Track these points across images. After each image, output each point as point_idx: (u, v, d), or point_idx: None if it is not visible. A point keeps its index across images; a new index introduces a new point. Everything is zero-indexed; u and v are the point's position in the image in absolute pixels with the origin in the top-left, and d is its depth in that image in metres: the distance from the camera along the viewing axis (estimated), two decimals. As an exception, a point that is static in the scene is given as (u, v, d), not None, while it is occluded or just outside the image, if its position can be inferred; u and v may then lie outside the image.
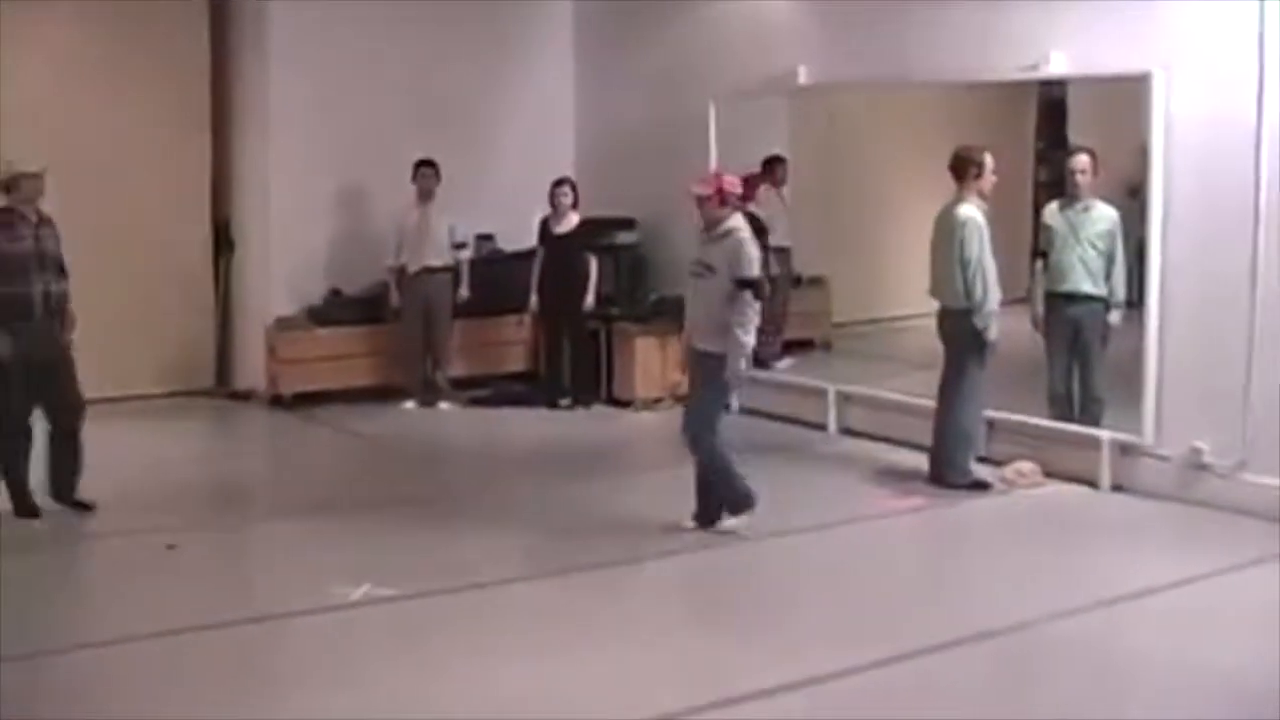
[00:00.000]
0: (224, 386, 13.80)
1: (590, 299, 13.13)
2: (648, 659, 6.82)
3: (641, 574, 8.29)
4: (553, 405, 13.16)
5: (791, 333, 13.28)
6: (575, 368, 13.29)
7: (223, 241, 13.95)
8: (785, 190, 12.99)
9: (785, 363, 12.99)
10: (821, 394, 11.99)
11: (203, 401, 13.38)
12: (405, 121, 13.73)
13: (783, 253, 12.94)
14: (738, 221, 8.77)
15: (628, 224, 13.91)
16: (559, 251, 13.16)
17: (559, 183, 13.29)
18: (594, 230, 13.35)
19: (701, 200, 8.75)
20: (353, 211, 13.77)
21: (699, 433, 8.89)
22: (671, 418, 12.66)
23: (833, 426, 11.86)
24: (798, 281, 13.23)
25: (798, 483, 10.40)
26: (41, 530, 9.02)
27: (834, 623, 7.31)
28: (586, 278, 13.09)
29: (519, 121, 14.50)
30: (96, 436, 11.90)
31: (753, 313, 8.60)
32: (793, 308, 13.21)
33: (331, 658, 6.90)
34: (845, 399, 11.88)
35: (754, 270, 8.61)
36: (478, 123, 14.29)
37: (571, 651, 6.90)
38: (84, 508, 9.28)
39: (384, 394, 13.22)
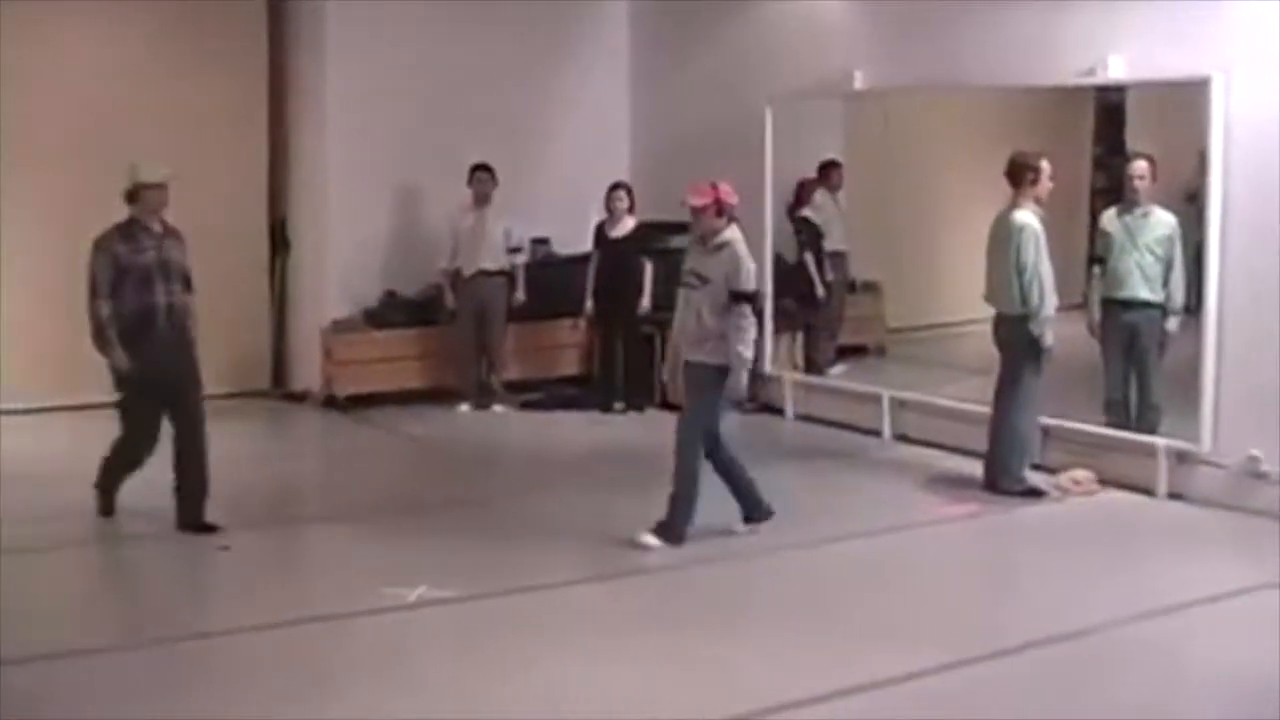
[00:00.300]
0: (279, 388, 13.86)
1: (645, 303, 13.12)
2: (702, 663, 6.80)
3: (696, 578, 8.26)
4: (606, 409, 13.16)
5: (845, 338, 13.25)
6: (629, 372, 13.28)
7: (278, 241, 14.02)
8: (840, 195, 12.94)
9: (839, 368, 12.95)
10: (876, 400, 11.95)
11: (258, 403, 13.43)
12: (460, 123, 13.74)
13: (838, 257, 12.92)
14: (735, 233, 8.69)
15: (683, 228, 13.80)
16: (614, 255, 13.17)
17: (614, 187, 13.30)
18: (649, 234, 13.34)
19: (697, 210, 8.65)
20: (407, 213, 13.81)
21: (683, 442, 8.72)
22: (726, 423, 12.65)
23: (887, 432, 11.82)
24: (852, 287, 13.19)
25: (852, 488, 10.39)
26: (100, 528, 9.07)
27: (889, 629, 7.27)
28: (641, 282, 13.08)
29: (574, 124, 14.51)
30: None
31: (751, 326, 8.52)
32: (847, 313, 13.18)
33: (387, 659, 6.89)
34: (900, 405, 11.83)
35: (751, 283, 8.56)
36: (533, 126, 14.30)
37: (626, 655, 6.90)
38: (209, 529, 8.92)
39: (438, 396, 13.25)
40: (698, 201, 8.63)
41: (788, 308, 13.02)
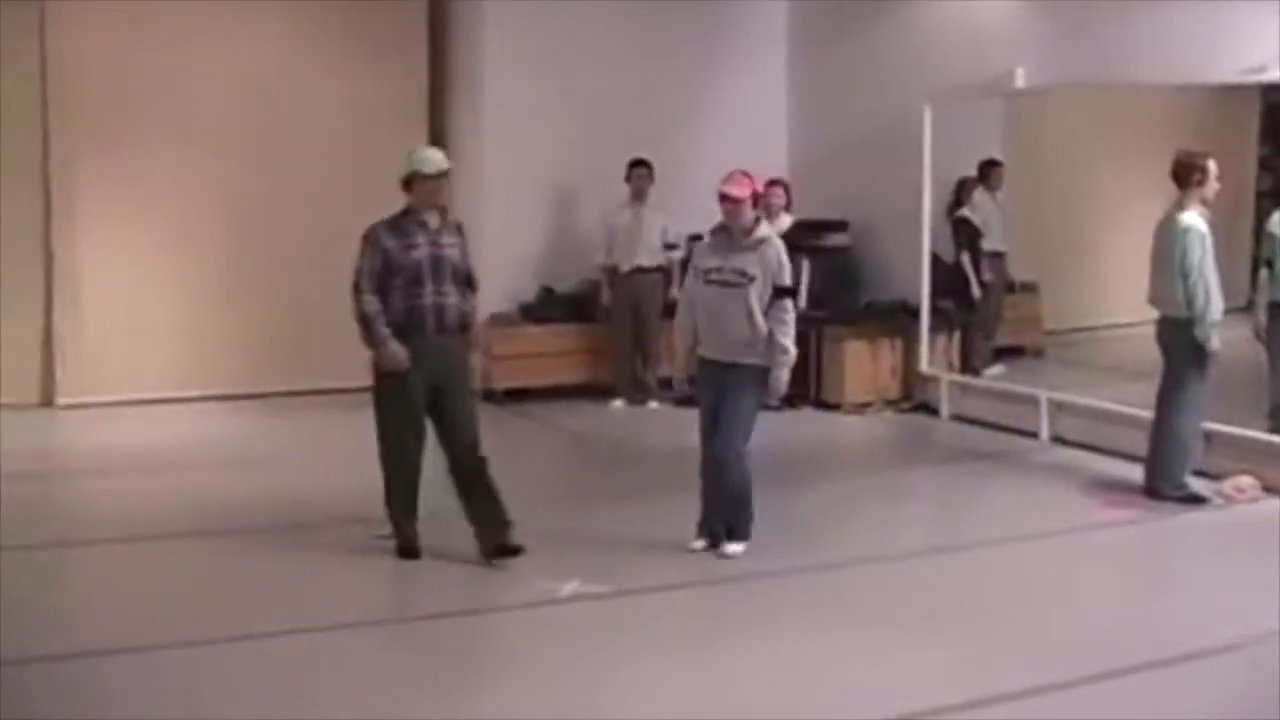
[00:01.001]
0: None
1: (801, 301, 13.05)
2: (851, 664, 6.78)
3: (849, 579, 8.21)
4: (761, 407, 13.08)
5: (1002, 339, 13.11)
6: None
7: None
8: (1000, 195, 12.78)
9: (996, 369, 12.80)
10: (1033, 401, 11.79)
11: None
12: (617, 119, 13.80)
13: (997, 257, 12.77)
14: (767, 229, 8.42)
15: (841, 226, 13.81)
16: None
17: (772, 184, 13.16)
18: (807, 232, 13.28)
19: (738, 202, 8.22)
20: (563, 209, 13.89)
21: (738, 452, 8.39)
22: (880, 422, 12.69)
23: (1044, 434, 11.66)
24: (1010, 288, 13.03)
25: (1008, 492, 10.28)
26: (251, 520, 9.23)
27: (1043, 636, 7.16)
28: (798, 280, 13.00)
29: (732, 121, 14.46)
30: (300, 428, 12.25)
31: (793, 321, 8.32)
32: (1004, 313, 13.02)
33: (539, 653, 6.97)
34: (1058, 407, 11.66)
35: (789, 278, 8.33)
36: (690, 122, 14.29)
37: (780, 653, 6.88)
38: (513, 551, 8.20)
39: (592, 392, 13.32)
40: (740, 193, 8.21)
41: (944, 308, 12.92)
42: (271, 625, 7.15)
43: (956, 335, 13.05)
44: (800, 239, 13.15)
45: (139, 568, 8.24)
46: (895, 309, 13.28)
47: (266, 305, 13.37)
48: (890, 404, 13.09)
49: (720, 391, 8.29)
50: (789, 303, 8.27)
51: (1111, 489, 10.06)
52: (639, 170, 13.12)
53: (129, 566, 8.27)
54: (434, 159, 8.28)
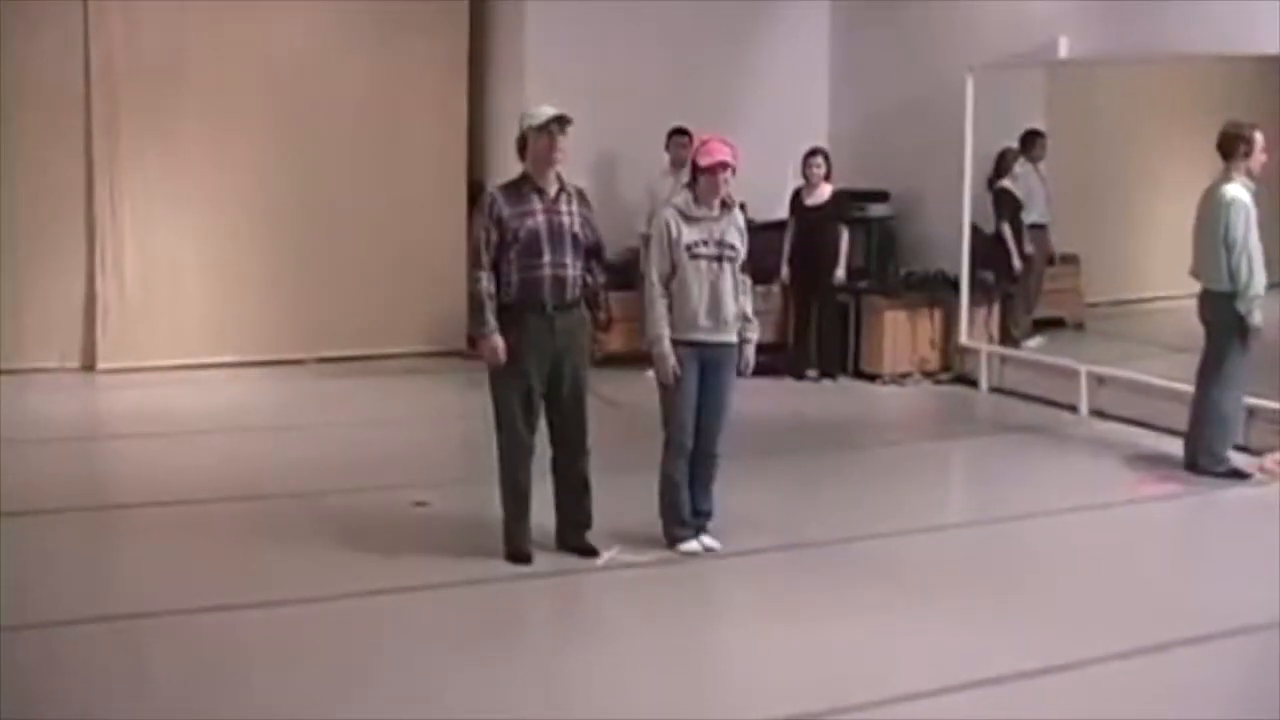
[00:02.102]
0: (475, 347, 13.95)
1: (841, 272, 13.00)
2: (900, 635, 6.78)
3: (890, 550, 8.17)
4: (799, 377, 13.08)
5: (1042, 311, 13.02)
6: (823, 340, 13.18)
7: (475, 197, 14.10)
8: (1042, 166, 12.68)
9: (1035, 341, 12.73)
10: (1073, 375, 11.70)
11: (455, 362, 13.57)
12: (658, 88, 13.71)
13: (1039, 230, 12.67)
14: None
15: (881, 196, 13.72)
16: (810, 223, 13.09)
17: (812, 153, 13.19)
18: (847, 202, 13.23)
19: (726, 169, 7.77)
20: (604, 177, 13.81)
21: (721, 438, 7.99)
22: (919, 394, 12.63)
23: (1084, 408, 11.57)
24: (1051, 260, 12.94)
25: (1047, 465, 10.23)
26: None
27: (1082, 609, 7.13)
28: (837, 250, 12.97)
29: (772, 90, 14.36)
30: (350, 394, 12.28)
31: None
32: (1045, 285, 12.94)
33: (573, 618, 7.03)
34: (1098, 381, 11.58)
35: None
36: (731, 90, 14.17)
37: (820, 628, 6.87)
38: (587, 553, 7.80)
39: (631, 361, 13.26)
40: (731, 159, 7.78)
41: (984, 279, 12.85)
42: (278, 595, 7.17)
43: (996, 307, 12.97)
44: (840, 209, 13.12)
45: (180, 533, 8.24)
46: (935, 280, 13.21)
47: (303, 273, 13.45)
48: (929, 375, 13.03)
49: (712, 375, 7.87)
50: (748, 277, 8.01)
51: (1152, 464, 10.00)
52: (678, 138, 13.01)
53: (172, 532, 8.27)
54: (543, 110, 7.65)
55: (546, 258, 7.50)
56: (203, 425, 10.96)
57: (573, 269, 7.60)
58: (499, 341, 7.52)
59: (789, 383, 12.95)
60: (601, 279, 7.90)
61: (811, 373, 13.12)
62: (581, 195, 7.81)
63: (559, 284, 7.55)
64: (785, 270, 13.22)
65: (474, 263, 7.54)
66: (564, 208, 7.63)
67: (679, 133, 13.02)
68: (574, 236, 7.61)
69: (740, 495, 8.59)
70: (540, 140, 7.54)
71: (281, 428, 11.01)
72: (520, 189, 7.60)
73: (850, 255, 13.06)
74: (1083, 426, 11.31)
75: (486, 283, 7.49)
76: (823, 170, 13.08)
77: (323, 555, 7.83)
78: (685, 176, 12.97)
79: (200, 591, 7.16)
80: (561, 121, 7.55)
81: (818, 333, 13.23)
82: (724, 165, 7.77)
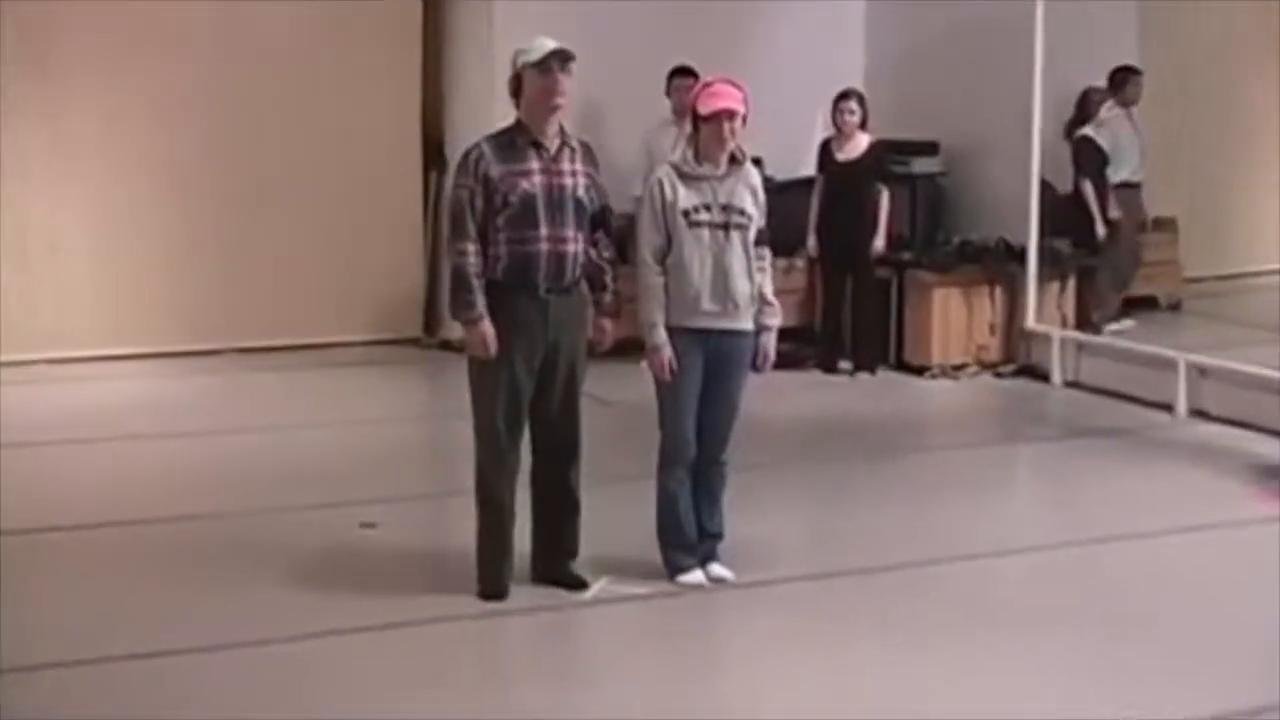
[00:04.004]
0: (433, 335, 13.94)
1: (880, 241, 12.94)
2: (971, 675, 6.82)
3: (952, 577, 8.17)
4: (830, 370, 13.05)
5: (1131, 289, 13.00)
6: (858, 325, 13.11)
7: (432, 161, 14.07)
8: (1135, 111, 12.62)
9: (1121, 325, 12.70)
10: (1169, 366, 11.66)
11: (410, 352, 13.55)
12: (656, 23, 13.65)
13: (1129, 189, 12.66)
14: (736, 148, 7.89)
15: (929, 148, 13.69)
16: (842, 182, 12.97)
17: (843, 96, 13.04)
18: (886, 155, 13.17)
19: (734, 116, 7.66)
20: (591, 130, 13.69)
21: (728, 444, 7.89)
22: (977, 389, 12.60)
23: (1182, 407, 11.53)
24: (1143, 225, 12.93)
25: (1136, 476, 10.17)
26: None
27: (1185, 656, 7.08)
28: (876, 214, 12.90)
29: (794, 20, 14.33)
30: (284, 391, 12.27)
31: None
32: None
33: (556, 664, 7.07)
34: (1199, 373, 11.54)
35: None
36: (742, 21, 14.13)
37: (856, 678, 6.86)
38: (573, 585, 7.73)
39: (630, 350, 13.18)
40: (737, 106, 7.65)
41: (1058, 249, 12.81)
42: (208, 638, 7.13)
43: (1072, 282, 12.93)
44: (879, 164, 13.03)
45: (86, 565, 8.21)
46: (996, 250, 13.19)
47: (223, 249, 13.42)
48: (989, 367, 13.01)
49: (718, 370, 7.74)
50: (767, 250, 7.89)
51: (1265, 476, 9.92)
52: (681, 80, 12.85)
53: (75, 564, 8.24)
54: (540, 42, 7.45)
55: (544, 229, 7.36)
56: (98, 432, 10.85)
57: (574, 243, 7.46)
58: (489, 329, 7.34)
59: (817, 377, 12.91)
60: (608, 254, 7.73)
61: (845, 365, 13.07)
62: (588, 150, 7.68)
63: (558, 261, 7.41)
64: (812, 241, 13.17)
65: (456, 233, 7.40)
66: (567, 166, 7.49)
67: (682, 73, 12.83)
68: (577, 202, 7.47)
69: (757, 514, 8.57)
70: (538, 81, 7.39)
71: (197, 434, 10.94)
72: (514, 142, 7.46)
73: (891, 221, 13.01)
74: (1180, 429, 11.28)
75: (473, 257, 7.34)
76: (857, 117, 12.93)
77: (255, 590, 7.79)
78: (689, 127, 13.07)
79: (120, 636, 7.10)
80: (564, 57, 7.42)
81: (852, 317, 13.16)
82: (729, 113, 7.63)
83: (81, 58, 12.87)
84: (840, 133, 13.08)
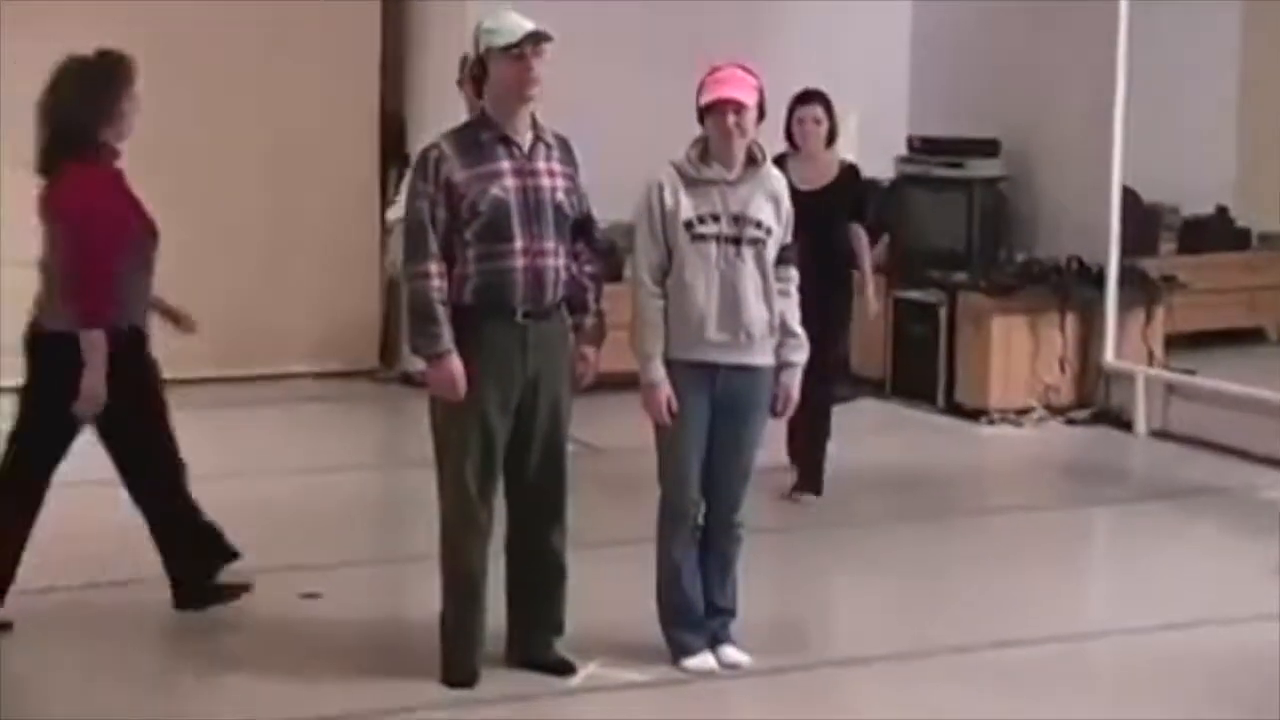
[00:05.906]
0: (390, 366, 13.98)
1: (874, 304, 11.50)
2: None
3: (1014, 662, 8.15)
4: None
5: (1229, 318, 13.08)
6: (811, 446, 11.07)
7: (393, 156, 14.11)
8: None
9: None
10: (1276, 412, 11.72)
11: (364, 387, 13.61)
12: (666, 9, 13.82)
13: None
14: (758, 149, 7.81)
15: (987, 147, 13.74)
16: (804, 222, 8.98)
17: (803, 99, 10.86)
18: (865, 185, 11.50)
19: (743, 109, 7.54)
20: (577, 125, 13.74)
21: (742, 504, 7.87)
22: (1045, 438, 12.62)
23: (1291, 461, 11.60)
24: (1246, 240, 13.00)
25: (1238, 544, 10.17)
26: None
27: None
28: (849, 279, 10.99)
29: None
30: (215, 432, 12.27)
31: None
32: (1236, 280, 12.96)
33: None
34: (1314, 420, 11.60)
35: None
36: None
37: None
38: (558, 670, 7.72)
39: (625, 385, 13.20)
40: (746, 97, 7.54)
41: (1143, 270, 12.85)
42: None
43: (1161, 311, 12.95)
44: (856, 200, 11.02)
45: None
46: (1067, 271, 13.26)
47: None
48: (1059, 412, 13.04)
49: (730, 412, 7.71)
50: (794, 271, 7.82)
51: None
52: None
53: None
54: (508, 21, 7.35)
55: (519, 242, 7.32)
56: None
57: (555, 256, 7.42)
58: (457, 365, 7.27)
59: (853, 418, 12.84)
60: (592, 268, 7.72)
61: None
62: (565, 146, 7.63)
63: (537, 279, 7.37)
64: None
65: (414, 252, 7.32)
66: (543, 165, 7.46)
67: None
68: (557, 208, 7.44)
69: (776, 586, 8.67)
70: (511, 68, 7.31)
71: (108, 483, 10.94)
72: (479, 139, 7.40)
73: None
74: (1288, 491, 11.32)
75: (436, 280, 7.27)
76: (824, 128, 10.80)
77: (171, 677, 7.86)
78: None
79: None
80: (537, 39, 7.31)
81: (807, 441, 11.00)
82: (734, 104, 7.55)
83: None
84: (799, 150, 10.73)
